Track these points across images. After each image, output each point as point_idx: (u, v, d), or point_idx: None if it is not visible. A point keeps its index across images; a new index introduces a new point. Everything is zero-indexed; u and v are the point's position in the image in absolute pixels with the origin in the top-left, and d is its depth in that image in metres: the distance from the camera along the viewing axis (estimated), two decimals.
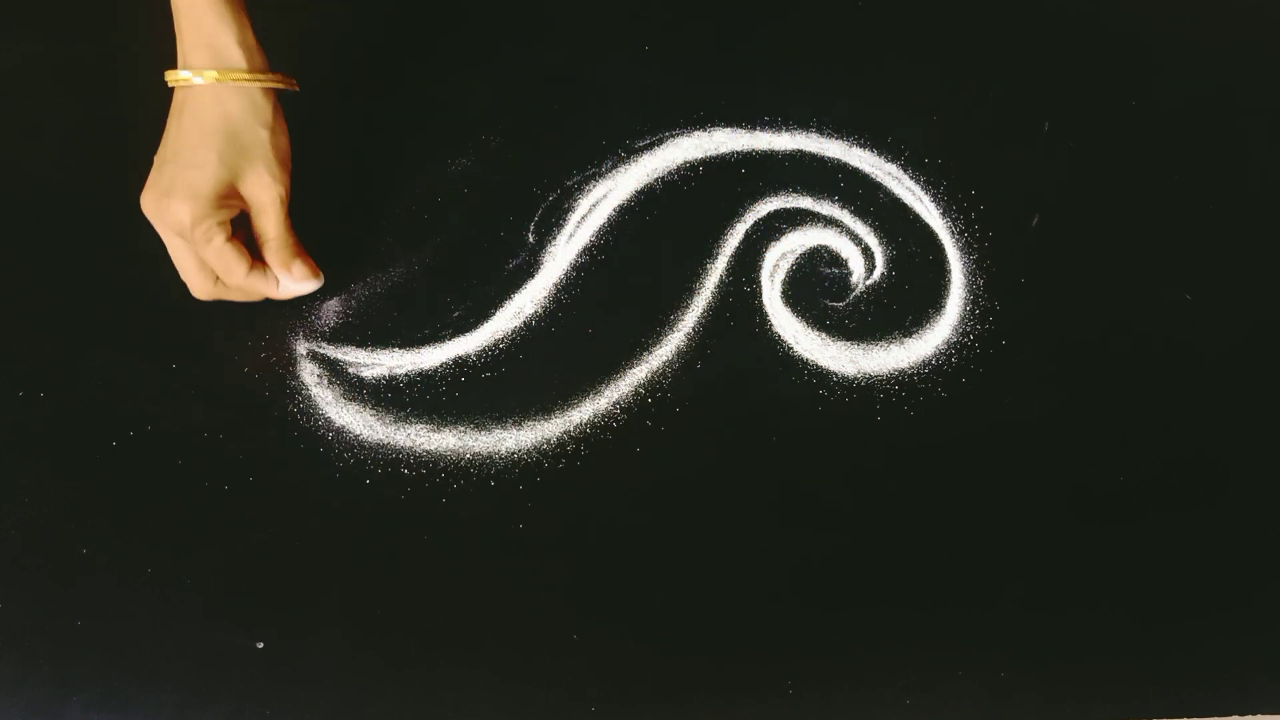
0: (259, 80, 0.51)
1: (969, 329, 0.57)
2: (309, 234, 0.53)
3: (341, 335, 0.55)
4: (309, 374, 0.54)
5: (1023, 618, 0.50)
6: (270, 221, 0.52)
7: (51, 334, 0.54)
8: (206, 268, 0.51)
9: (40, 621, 0.48)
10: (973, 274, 0.58)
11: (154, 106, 0.52)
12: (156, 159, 0.51)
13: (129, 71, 0.58)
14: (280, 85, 0.52)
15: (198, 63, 0.50)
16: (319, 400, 0.53)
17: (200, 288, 0.52)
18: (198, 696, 0.46)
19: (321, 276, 0.53)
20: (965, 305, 0.57)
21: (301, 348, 0.54)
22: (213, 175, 0.50)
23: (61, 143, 0.59)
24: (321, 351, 0.54)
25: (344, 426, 0.52)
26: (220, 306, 0.53)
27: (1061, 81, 0.64)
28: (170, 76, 0.51)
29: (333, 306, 0.55)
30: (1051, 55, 0.65)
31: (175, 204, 0.49)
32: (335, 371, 0.54)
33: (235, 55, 0.51)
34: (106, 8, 0.63)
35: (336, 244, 0.55)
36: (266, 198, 0.51)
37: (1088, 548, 0.52)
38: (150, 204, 0.50)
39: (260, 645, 0.47)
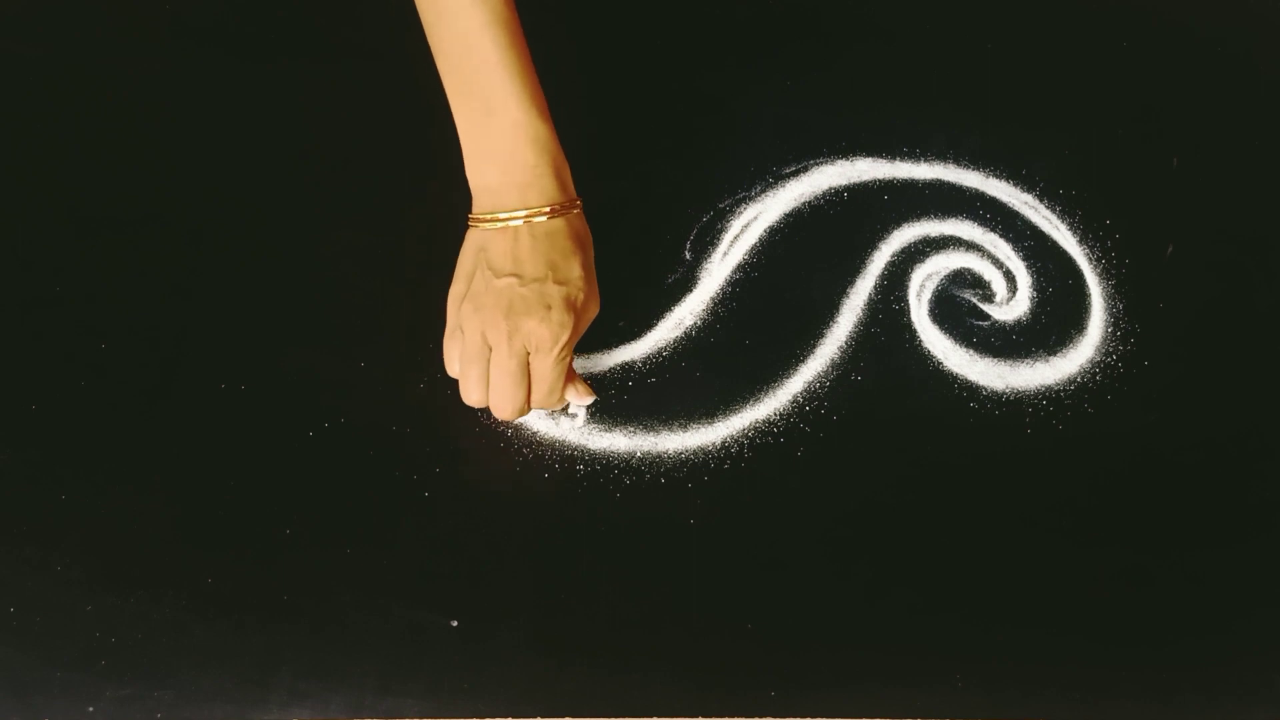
0: (577, 208, 0.52)
1: (1111, 350, 0.59)
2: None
3: None
4: None
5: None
6: (574, 340, 0.50)
7: (251, 333, 0.58)
8: (485, 379, 0.49)
9: (247, 591, 0.51)
10: (1112, 298, 0.61)
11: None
12: (493, 272, 0.49)
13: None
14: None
15: (536, 198, 0.50)
16: None
17: (477, 395, 0.50)
18: (399, 669, 0.49)
19: (594, 395, 0.55)
20: (1107, 326, 0.60)
21: None
22: (579, 290, 0.49)
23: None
24: None
25: (521, 423, 0.56)
26: (399, 314, 0.57)
27: (1190, 115, 0.67)
28: (503, 217, 0.50)
29: None
30: (1182, 90, 0.68)
31: (558, 316, 0.47)
32: None
33: (571, 187, 0.52)
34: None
35: None
36: (587, 317, 0.51)
37: (1220, 563, 0.54)
38: (514, 322, 0.48)
39: (455, 624, 0.50)
